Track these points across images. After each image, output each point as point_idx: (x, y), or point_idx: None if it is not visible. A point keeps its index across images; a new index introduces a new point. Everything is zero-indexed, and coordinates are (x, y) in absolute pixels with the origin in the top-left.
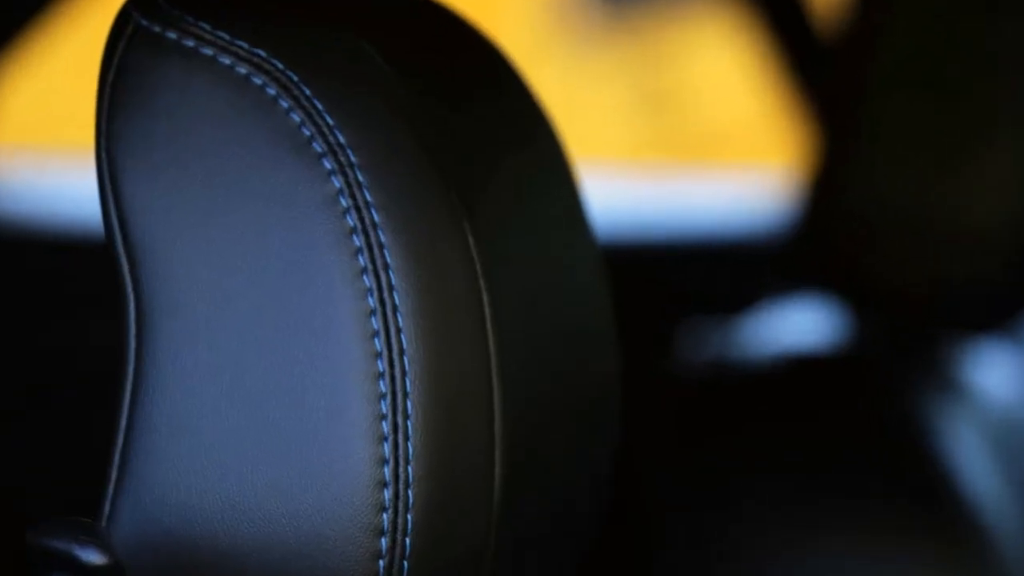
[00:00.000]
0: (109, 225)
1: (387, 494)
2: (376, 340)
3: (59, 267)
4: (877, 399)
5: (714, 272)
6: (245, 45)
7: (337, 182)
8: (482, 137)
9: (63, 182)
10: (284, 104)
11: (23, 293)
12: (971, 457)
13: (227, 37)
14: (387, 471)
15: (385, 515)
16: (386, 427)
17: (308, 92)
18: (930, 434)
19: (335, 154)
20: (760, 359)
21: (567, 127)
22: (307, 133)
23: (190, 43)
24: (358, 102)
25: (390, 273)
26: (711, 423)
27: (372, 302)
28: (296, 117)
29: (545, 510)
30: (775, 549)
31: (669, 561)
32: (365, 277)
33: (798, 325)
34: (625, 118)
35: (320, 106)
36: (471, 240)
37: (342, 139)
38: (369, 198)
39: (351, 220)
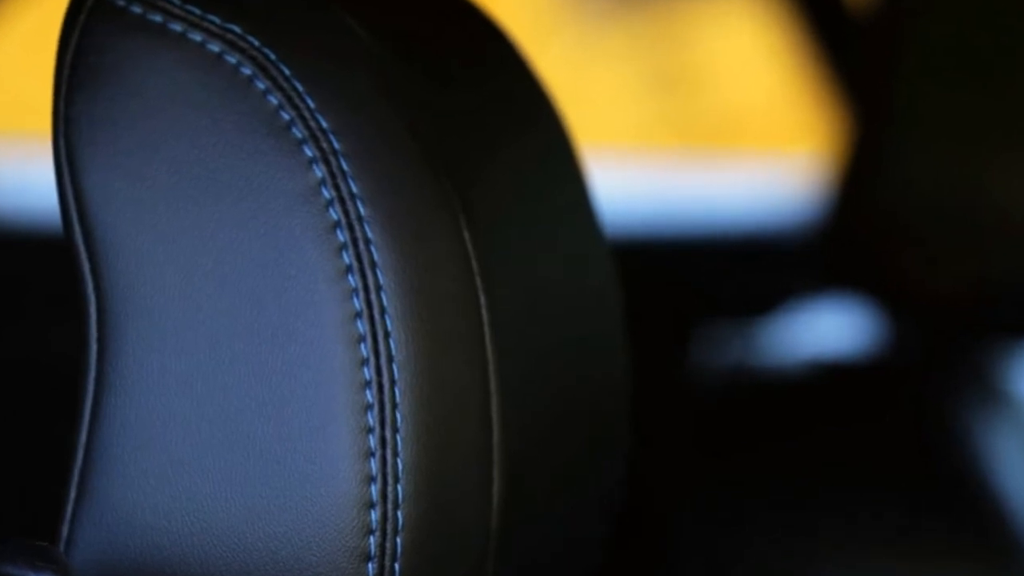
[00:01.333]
0: (68, 219)
1: (374, 515)
2: (362, 346)
3: (13, 266)
4: (914, 410)
5: (734, 271)
6: (217, 20)
7: (319, 171)
8: (480, 122)
9: (16, 172)
10: (260, 85)
11: None
12: (1016, 473)
13: (198, 12)
14: (374, 490)
15: (372, 538)
16: (373, 441)
17: (287, 72)
18: (971, 448)
19: (316, 140)
20: (785, 367)
21: (572, 111)
22: (286, 117)
23: (157, 18)
24: (343, 83)
25: (377, 272)
26: (730, 437)
27: (358, 304)
28: (274, 100)
29: (548, 531)
30: (801, 574)
31: None
32: (350, 276)
33: (826, 329)
34: (636, 101)
35: (300, 87)
36: (467, 235)
37: (324, 124)
38: (354, 189)
39: (334, 213)
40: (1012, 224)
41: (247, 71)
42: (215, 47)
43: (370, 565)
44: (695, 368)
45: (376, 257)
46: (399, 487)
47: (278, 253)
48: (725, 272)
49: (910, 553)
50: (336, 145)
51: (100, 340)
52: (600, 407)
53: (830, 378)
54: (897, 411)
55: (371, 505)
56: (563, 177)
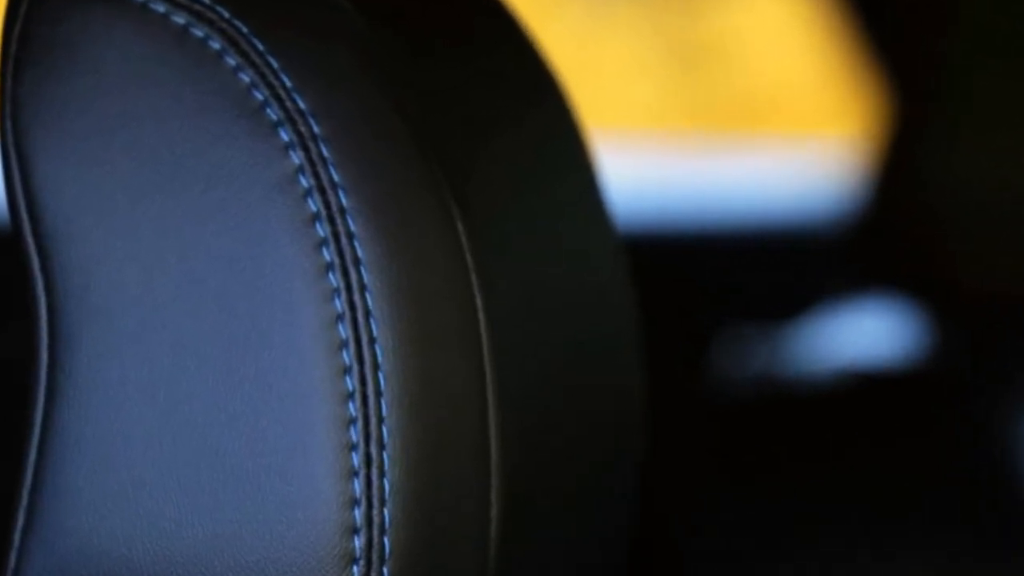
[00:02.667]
0: (16, 210)
1: (358, 542)
2: (344, 352)
3: None
4: (960, 423)
5: (759, 268)
6: None
7: (296, 158)
8: (476, 103)
9: None
10: (231, 62)
11: None
12: None
13: None
14: (358, 514)
15: (356, 568)
16: (357, 459)
17: (261, 47)
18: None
19: (294, 123)
20: (817, 375)
21: (579, 90)
22: (259, 97)
23: None
24: (322, 60)
25: (361, 269)
26: (754, 453)
27: (339, 305)
28: (246, 77)
29: (551, 557)
30: None
31: None
32: (331, 275)
33: (863, 333)
34: (650, 79)
35: (275, 64)
36: (461, 228)
37: (302, 105)
38: (335, 177)
39: (313, 204)
40: None
41: (216, 45)
42: (180, 19)
43: None
44: (715, 377)
45: (360, 253)
46: (385, 511)
47: (250, 248)
48: (749, 270)
49: None
50: (315, 128)
51: (51, 346)
52: (609, 417)
53: (867, 388)
54: (942, 425)
55: (354, 531)
56: (568, 164)
